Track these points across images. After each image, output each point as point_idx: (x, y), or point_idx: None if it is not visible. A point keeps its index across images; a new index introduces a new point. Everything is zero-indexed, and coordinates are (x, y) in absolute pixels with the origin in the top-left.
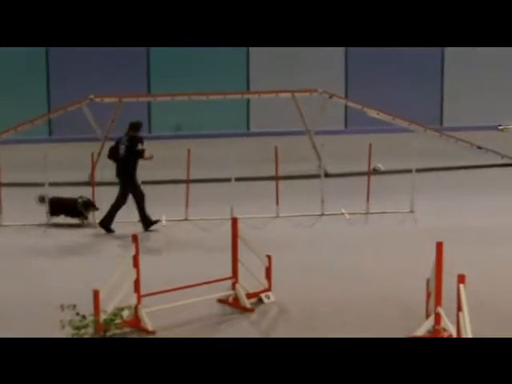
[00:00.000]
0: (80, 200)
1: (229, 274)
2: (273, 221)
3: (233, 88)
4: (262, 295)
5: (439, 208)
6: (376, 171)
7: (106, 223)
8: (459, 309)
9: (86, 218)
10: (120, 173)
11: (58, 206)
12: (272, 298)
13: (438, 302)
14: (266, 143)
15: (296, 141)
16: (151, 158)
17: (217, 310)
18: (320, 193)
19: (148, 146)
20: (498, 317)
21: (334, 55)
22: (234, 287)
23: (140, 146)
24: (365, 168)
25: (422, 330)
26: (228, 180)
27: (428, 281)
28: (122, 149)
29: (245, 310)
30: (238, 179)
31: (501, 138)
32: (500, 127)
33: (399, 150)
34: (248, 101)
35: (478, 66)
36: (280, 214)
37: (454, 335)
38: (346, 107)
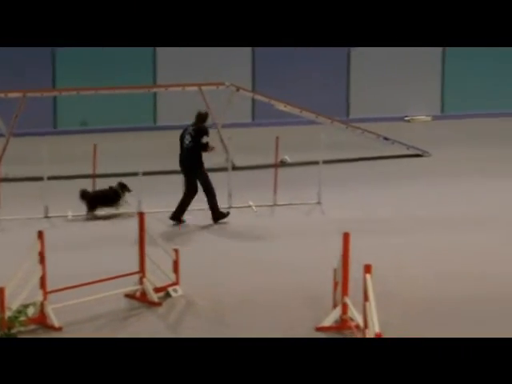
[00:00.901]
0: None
1: (137, 268)
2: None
3: (141, 83)
4: (170, 289)
5: (346, 199)
6: (283, 163)
7: (178, 216)
8: (366, 299)
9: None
10: (184, 162)
11: (97, 199)
12: (180, 292)
13: (344, 292)
14: (173, 137)
15: None
16: (213, 149)
17: (124, 304)
18: (227, 186)
19: (53, 142)
20: (405, 305)
21: (242, 52)
22: (141, 282)
23: (205, 139)
24: (272, 160)
25: (329, 319)
26: (136, 174)
27: (335, 271)
28: (188, 139)
29: (152, 305)
30: (146, 173)
31: (408, 129)
32: (407, 118)
33: (307, 142)
34: (155, 95)
35: (385, 59)
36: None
37: (361, 324)
38: (254, 100)
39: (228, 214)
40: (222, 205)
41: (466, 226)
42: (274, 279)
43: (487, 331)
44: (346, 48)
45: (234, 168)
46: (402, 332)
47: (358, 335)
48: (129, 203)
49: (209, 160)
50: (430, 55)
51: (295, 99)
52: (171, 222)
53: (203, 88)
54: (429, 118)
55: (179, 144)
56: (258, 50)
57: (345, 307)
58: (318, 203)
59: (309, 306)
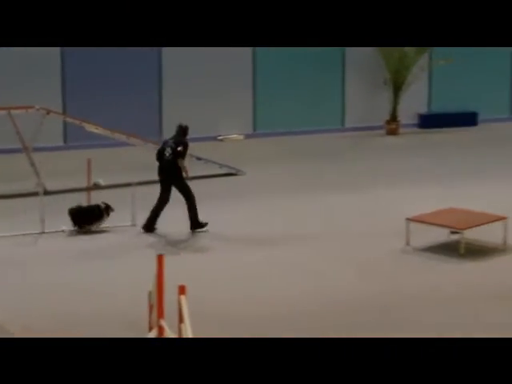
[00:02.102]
0: (102, 205)
1: None
2: None
3: None
4: None
5: (161, 220)
6: (97, 186)
7: (150, 226)
8: (181, 320)
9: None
10: (164, 173)
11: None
12: None
13: (159, 315)
14: None
15: (14, 158)
16: (186, 171)
17: None
18: (39, 211)
19: None
20: (221, 325)
21: (52, 73)
22: None
23: (180, 148)
24: (85, 183)
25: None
26: None
27: (150, 293)
28: (168, 151)
29: None
30: None
31: (221, 148)
32: (220, 137)
33: (120, 164)
34: None
35: (194, 78)
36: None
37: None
38: (65, 123)
39: (206, 224)
40: (34, 230)
41: (284, 242)
42: (91, 303)
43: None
44: (157, 68)
45: (46, 192)
46: None
47: None
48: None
49: (20, 185)
50: (240, 75)
51: (109, 121)
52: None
53: (12, 112)
54: (241, 137)
55: (157, 157)
56: (69, 71)
57: (161, 330)
58: (133, 225)
59: (125, 330)
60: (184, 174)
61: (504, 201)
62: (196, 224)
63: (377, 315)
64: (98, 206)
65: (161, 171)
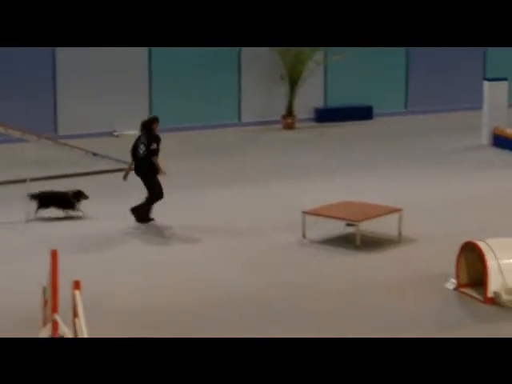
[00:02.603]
0: (71, 192)
1: None
2: None
3: None
4: None
5: (57, 216)
6: None
7: (143, 217)
8: (75, 315)
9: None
10: (139, 170)
11: (48, 200)
12: None
13: (54, 309)
14: None
15: None
16: (160, 169)
17: None
18: None
19: None
20: (117, 319)
21: None
22: None
23: (154, 145)
24: None
25: (40, 336)
26: None
27: (44, 289)
28: (142, 148)
29: None
30: None
31: (116, 144)
32: (115, 133)
33: (14, 161)
34: None
35: (90, 75)
36: None
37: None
38: None
39: (153, 219)
40: None
41: (178, 238)
42: None
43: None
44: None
45: None
46: None
47: None
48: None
49: None
50: (137, 72)
51: (4, 118)
52: None
53: None
54: (137, 133)
55: (131, 153)
56: None
57: (55, 325)
58: (28, 221)
59: (20, 326)
60: (159, 172)
61: (398, 193)
62: (144, 216)
63: (258, 308)
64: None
65: (136, 169)
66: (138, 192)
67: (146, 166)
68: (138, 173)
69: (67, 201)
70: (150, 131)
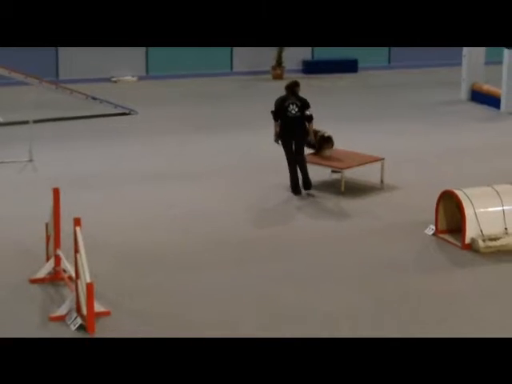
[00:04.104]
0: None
1: None
2: None
3: None
4: None
5: (58, 157)
6: None
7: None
8: (76, 250)
9: None
10: (292, 131)
11: None
12: None
13: (56, 245)
14: None
15: None
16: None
17: None
18: None
19: None
20: (114, 256)
21: None
22: None
23: (310, 112)
24: None
25: (43, 271)
26: None
27: (47, 225)
28: (294, 109)
29: None
30: None
31: (114, 89)
32: (113, 79)
33: (17, 103)
34: None
35: None
36: None
37: (73, 275)
38: None
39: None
40: None
41: (173, 179)
42: None
43: (189, 273)
44: None
45: None
46: (112, 280)
47: (72, 286)
48: None
49: None
50: None
51: (9, 62)
52: None
53: None
54: (135, 79)
55: (276, 113)
56: None
57: (57, 259)
58: (30, 161)
59: (23, 259)
60: (309, 138)
61: (381, 143)
62: (309, 182)
63: (248, 246)
64: None
65: (286, 128)
66: (134, 135)
67: (299, 127)
68: (288, 132)
69: None
70: (296, 94)
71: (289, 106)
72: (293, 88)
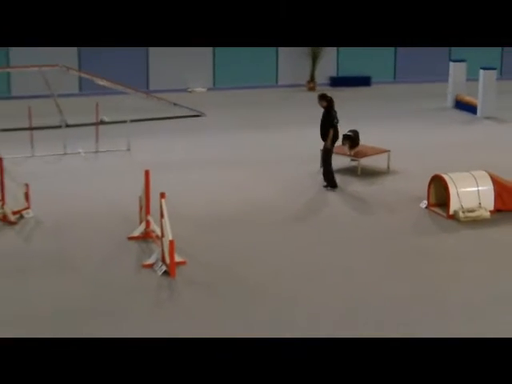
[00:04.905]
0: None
1: None
2: (30, 159)
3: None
4: (23, 212)
5: (149, 147)
6: (102, 122)
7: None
8: (162, 216)
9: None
10: (337, 137)
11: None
12: (31, 214)
13: (147, 212)
14: (26, 105)
15: (44, 102)
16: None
17: None
18: (62, 139)
19: None
20: (191, 222)
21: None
22: (2, 207)
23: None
24: (95, 120)
25: (137, 231)
26: None
27: (140, 198)
28: (337, 119)
29: (11, 223)
30: (2, 130)
31: (189, 98)
32: (188, 90)
33: (118, 107)
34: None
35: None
36: (35, 154)
37: (159, 234)
38: (80, 77)
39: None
40: (58, 151)
41: (234, 165)
42: (99, 204)
43: (253, 236)
44: None
45: (67, 126)
46: (188, 239)
47: (158, 242)
48: None
49: (49, 120)
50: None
51: (111, 75)
52: (23, 164)
53: (43, 69)
54: (204, 90)
55: (331, 124)
56: None
57: (148, 223)
58: (128, 150)
59: (122, 222)
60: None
61: (388, 138)
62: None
63: (284, 215)
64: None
65: (335, 135)
66: (204, 131)
67: (336, 134)
68: (335, 138)
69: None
70: (326, 104)
71: (336, 116)
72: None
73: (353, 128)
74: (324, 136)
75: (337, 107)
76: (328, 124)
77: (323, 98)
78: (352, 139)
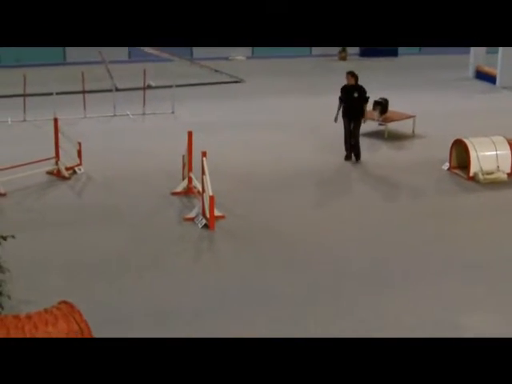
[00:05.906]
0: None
1: (53, 155)
2: (82, 120)
3: None
4: (76, 168)
5: (192, 110)
6: (149, 87)
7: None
8: (203, 173)
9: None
10: (353, 112)
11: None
12: (82, 170)
13: (189, 170)
14: (80, 71)
15: (97, 68)
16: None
17: (46, 179)
18: (113, 101)
19: None
20: (230, 179)
21: None
22: (56, 163)
23: (368, 95)
24: (142, 85)
25: (180, 187)
26: (51, 94)
27: (183, 156)
28: (356, 94)
29: (64, 178)
30: (59, 93)
31: (230, 65)
32: (229, 58)
33: (164, 73)
34: None
35: None
36: (87, 115)
37: (201, 190)
38: None
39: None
40: (108, 113)
41: (271, 127)
42: (146, 162)
43: (282, 192)
44: None
45: (117, 89)
46: (227, 195)
47: (199, 197)
48: None
49: (101, 84)
50: None
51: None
52: (77, 124)
53: None
54: (244, 58)
55: (342, 98)
56: None
57: (190, 179)
58: (172, 112)
59: (167, 178)
60: (364, 116)
61: (413, 105)
62: (359, 153)
63: (320, 177)
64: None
65: (349, 110)
66: (243, 96)
67: (358, 109)
68: (349, 113)
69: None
70: (357, 81)
71: (354, 92)
72: (355, 76)
73: (382, 96)
74: (358, 113)
75: (367, 76)
76: (364, 100)
77: (353, 74)
78: (383, 105)
